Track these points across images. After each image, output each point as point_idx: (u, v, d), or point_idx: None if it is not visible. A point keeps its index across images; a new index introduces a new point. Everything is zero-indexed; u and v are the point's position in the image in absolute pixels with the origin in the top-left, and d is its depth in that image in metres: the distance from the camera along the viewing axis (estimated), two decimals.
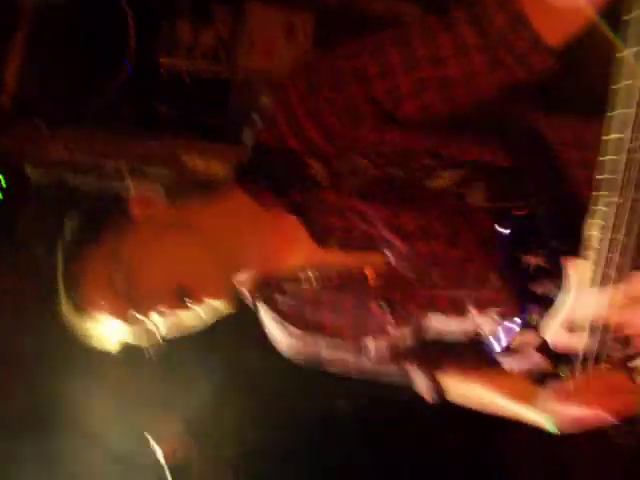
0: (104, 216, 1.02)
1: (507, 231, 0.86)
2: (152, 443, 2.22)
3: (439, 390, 1.07)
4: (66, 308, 1.00)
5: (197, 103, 2.68)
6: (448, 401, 1.09)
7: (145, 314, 0.97)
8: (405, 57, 0.89)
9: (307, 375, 1.21)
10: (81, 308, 0.98)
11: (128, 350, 1.06)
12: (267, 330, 1.12)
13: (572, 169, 0.89)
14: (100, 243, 0.99)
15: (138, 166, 2.25)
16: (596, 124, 0.72)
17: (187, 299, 0.94)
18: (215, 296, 0.96)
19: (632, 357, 0.89)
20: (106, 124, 2.36)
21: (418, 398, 1.12)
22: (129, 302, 0.96)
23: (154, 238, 0.98)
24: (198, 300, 0.96)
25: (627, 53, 0.64)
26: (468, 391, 1.07)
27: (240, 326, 1.21)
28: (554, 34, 0.88)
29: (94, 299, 0.97)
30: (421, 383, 1.08)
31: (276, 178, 0.95)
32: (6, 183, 2.31)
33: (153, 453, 2.24)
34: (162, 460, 2.21)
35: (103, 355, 1.06)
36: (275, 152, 0.94)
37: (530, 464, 2.57)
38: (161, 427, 2.35)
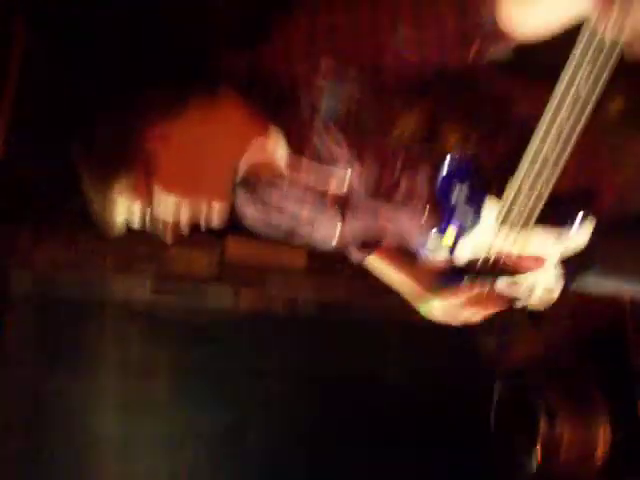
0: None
1: (447, 166, 1.11)
2: None
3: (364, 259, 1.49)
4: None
5: None
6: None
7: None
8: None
9: None
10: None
11: None
12: (240, 208, 1.37)
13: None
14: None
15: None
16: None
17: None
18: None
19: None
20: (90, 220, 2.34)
21: None
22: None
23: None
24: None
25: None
26: (383, 269, 1.49)
27: None
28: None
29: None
30: (356, 256, 1.49)
31: (270, 95, 1.12)
32: None
33: None
34: None
35: None
36: (275, 73, 1.09)
37: None
38: None
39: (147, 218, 1.18)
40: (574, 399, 2.56)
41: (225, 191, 1.18)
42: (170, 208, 1.16)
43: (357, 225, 1.31)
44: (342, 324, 2.77)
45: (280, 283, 2.32)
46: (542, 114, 0.93)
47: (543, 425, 2.47)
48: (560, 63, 0.85)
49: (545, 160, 0.97)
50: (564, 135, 0.93)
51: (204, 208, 1.17)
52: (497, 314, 1.36)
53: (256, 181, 1.25)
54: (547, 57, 0.97)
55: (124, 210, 1.18)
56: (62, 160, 2.41)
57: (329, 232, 1.36)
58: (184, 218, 1.17)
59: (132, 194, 1.16)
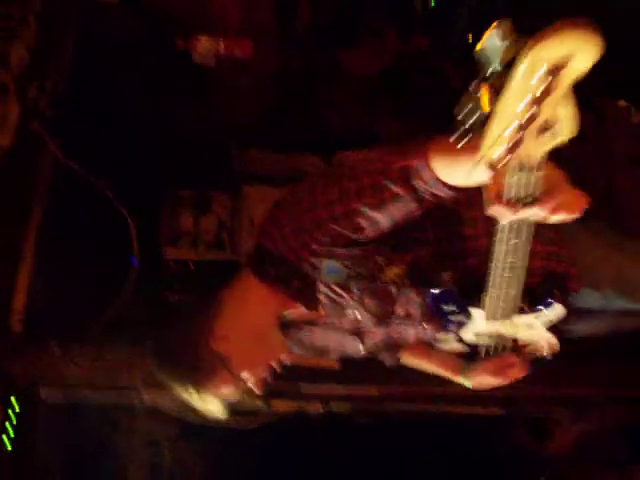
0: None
1: (431, 298, 1.46)
2: None
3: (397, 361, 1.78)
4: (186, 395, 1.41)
5: (206, 286, 2.67)
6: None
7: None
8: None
9: None
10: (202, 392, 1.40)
11: None
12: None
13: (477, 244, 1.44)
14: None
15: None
16: None
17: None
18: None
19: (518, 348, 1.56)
20: (118, 333, 2.34)
21: None
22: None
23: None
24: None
25: None
26: (417, 364, 1.78)
27: None
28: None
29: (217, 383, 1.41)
30: (389, 360, 1.77)
31: (277, 270, 1.41)
32: (20, 407, 2.27)
33: None
34: None
35: None
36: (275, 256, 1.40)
37: None
38: None
39: (238, 395, 1.44)
40: None
41: (284, 343, 1.48)
42: (251, 379, 1.43)
43: (376, 342, 1.63)
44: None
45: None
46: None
47: None
48: None
49: (511, 269, 1.20)
50: (519, 252, 1.15)
51: (276, 363, 1.45)
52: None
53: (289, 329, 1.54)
54: None
55: (216, 400, 1.43)
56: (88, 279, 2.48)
57: (355, 350, 1.66)
58: (265, 376, 1.44)
59: (218, 388, 1.41)
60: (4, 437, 2.24)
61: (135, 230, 2.52)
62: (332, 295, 1.46)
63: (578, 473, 2.54)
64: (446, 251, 1.45)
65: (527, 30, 0.77)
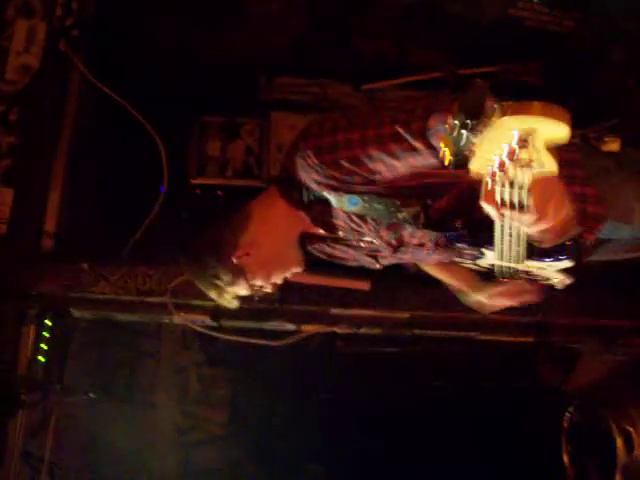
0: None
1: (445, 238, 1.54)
2: None
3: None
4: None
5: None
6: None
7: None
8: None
9: None
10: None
11: None
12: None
13: None
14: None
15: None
16: None
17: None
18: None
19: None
20: (147, 258, 2.36)
21: None
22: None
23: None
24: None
25: None
26: (436, 274, 1.87)
27: None
28: None
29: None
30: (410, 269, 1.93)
31: (303, 197, 1.49)
32: (53, 324, 2.31)
33: None
34: None
35: None
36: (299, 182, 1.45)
37: None
38: None
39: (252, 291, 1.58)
40: None
41: (300, 260, 1.59)
42: (268, 284, 1.58)
43: (391, 261, 1.73)
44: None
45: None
46: None
47: (620, 449, 2.36)
48: None
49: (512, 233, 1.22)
50: None
51: (290, 274, 1.60)
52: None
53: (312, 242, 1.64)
54: None
55: (232, 294, 1.58)
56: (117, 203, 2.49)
57: (371, 266, 1.75)
58: (278, 284, 1.60)
59: (236, 289, 1.56)
60: (40, 357, 2.29)
61: (166, 157, 2.51)
62: (350, 223, 1.52)
63: (607, 404, 2.54)
64: (460, 200, 1.46)
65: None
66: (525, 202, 0.99)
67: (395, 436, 3.00)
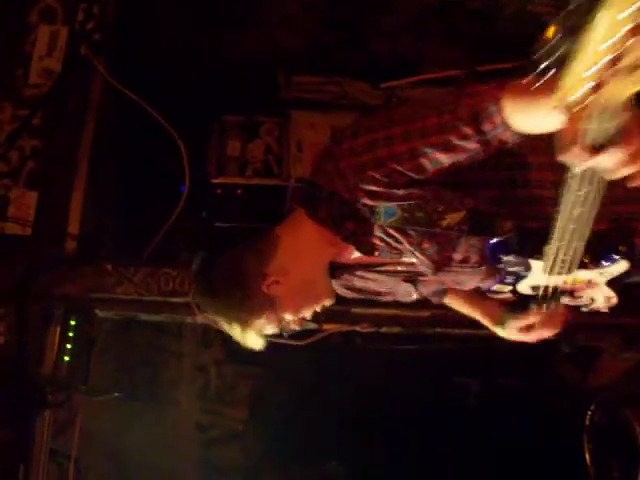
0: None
1: (490, 248, 1.40)
2: None
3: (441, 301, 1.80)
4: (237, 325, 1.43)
5: (254, 214, 2.69)
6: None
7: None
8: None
9: None
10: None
11: None
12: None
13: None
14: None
15: None
16: None
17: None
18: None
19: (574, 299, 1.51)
20: (169, 259, 2.39)
21: None
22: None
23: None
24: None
25: None
26: (458, 306, 1.79)
27: None
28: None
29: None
30: (436, 300, 1.77)
31: (330, 211, 1.39)
32: (77, 325, 2.34)
33: None
34: None
35: None
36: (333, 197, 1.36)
37: None
38: None
39: (280, 326, 1.48)
40: None
41: (332, 290, 1.51)
42: (296, 319, 1.48)
43: (429, 289, 1.66)
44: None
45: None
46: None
47: None
48: None
49: (577, 221, 1.12)
50: (588, 203, 1.06)
51: (319, 308, 1.50)
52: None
53: (340, 275, 1.57)
54: None
55: (258, 331, 1.47)
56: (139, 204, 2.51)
57: (407, 297, 1.69)
58: (305, 319, 1.50)
59: (262, 325, 1.45)
60: (65, 357, 2.32)
61: (187, 157, 2.53)
62: (388, 239, 1.39)
63: (628, 402, 2.53)
64: (509, 196, 1.39)
65: None
66: (618, 133, 0.86)
67: (415, 435, 3.01)
